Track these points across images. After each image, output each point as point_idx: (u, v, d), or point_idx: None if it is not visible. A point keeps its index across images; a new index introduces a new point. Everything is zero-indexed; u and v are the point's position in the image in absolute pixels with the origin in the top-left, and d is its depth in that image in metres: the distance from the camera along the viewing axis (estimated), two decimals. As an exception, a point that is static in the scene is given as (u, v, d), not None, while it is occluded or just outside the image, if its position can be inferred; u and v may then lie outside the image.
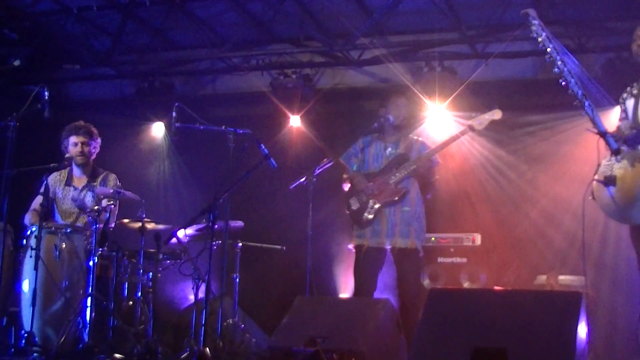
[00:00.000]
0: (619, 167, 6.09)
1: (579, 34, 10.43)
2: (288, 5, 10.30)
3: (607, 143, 6.17)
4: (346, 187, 8.42)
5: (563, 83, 6.05)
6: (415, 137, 8.57)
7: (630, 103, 6.56)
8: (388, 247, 8.19)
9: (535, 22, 5.97)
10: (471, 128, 8.26)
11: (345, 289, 9.97)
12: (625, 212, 6.12)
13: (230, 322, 8.87)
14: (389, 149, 8.41)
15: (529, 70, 10.33)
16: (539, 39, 5.99)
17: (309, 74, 11.24)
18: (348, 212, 8.35)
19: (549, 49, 5.98)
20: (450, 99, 10.33)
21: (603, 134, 6.15)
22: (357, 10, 10.55)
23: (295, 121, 11.01)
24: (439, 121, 10.52)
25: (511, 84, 10.64)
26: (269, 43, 11.23)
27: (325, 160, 8.45)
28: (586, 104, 6.06)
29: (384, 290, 8.56)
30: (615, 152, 6.13)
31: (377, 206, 8.19)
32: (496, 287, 9.64)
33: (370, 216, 8.20)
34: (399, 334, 7.03)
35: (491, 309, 5.52)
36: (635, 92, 6.42)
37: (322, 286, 9.33)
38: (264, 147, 7.86)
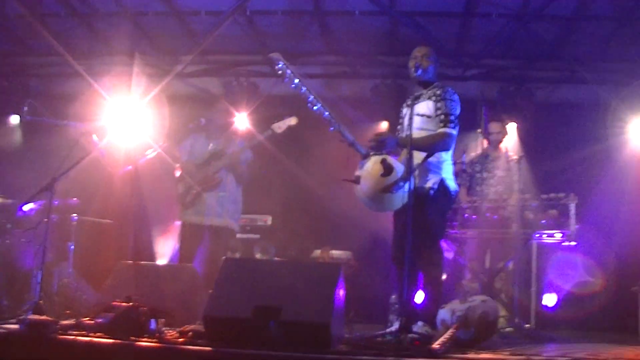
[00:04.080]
0: (363, 169, 6.16)
1: (356, 63, 10.73)
2: (127, 24, 10.12)
3: (356, 150, 6.22)
4: (177, 173, 8.39)
5: (314, 108, 6.09)
6: (235, 136, 8.63)
7: (405, 112, 6.60)
8: (206, 224, 8.21)
9: (280, 63, 5.97)
10: (273, 131, 8.36)
11: (162, 257, 9.88)
12: (370, 204, 6.22)
13: (65, 281, 8.69)
14: (211, 145, 8.45)
15: (317, 88, 10.46)
16: (286, 75, 5.96)
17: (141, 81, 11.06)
18: (176, 194, 8.33)
19: (295, 82, 5.99)
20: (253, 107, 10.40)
21: (351, 143, 6.19)
22: (183, 32, 10.49)
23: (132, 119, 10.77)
24: (244, 126, 10.50)
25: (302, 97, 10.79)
26: (110, 55, 10.97)
27: (147, 151, 8.38)
28: (332, 122, 6.09)
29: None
30: (364, 156, 6.20)
31: (197, 190, 8.20)
32: (276, 258, 9.78)
33: (192, 199, 8.21)
34: (201, 294, 7.02)
35: (271, 275, 5.55)
36: (409, 103, 6.50)
37: (142, 254, 9.26)
38: (95, 138, 7.73)
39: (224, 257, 7.23)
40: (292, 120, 8.41)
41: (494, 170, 8.77)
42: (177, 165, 8.44)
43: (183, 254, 8.35)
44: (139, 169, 8.39)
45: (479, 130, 8.71)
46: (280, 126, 8.39)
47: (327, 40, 10.52)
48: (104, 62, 10.95)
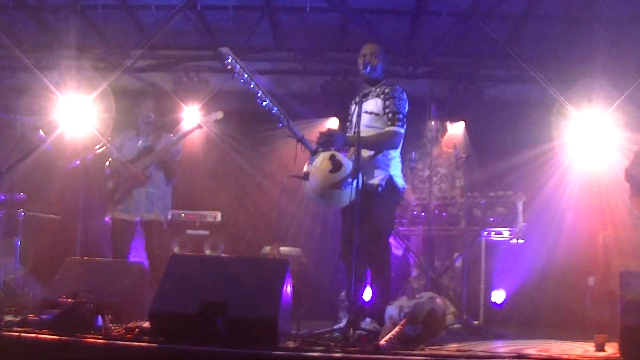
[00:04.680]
0: (312, 165, 6.18)
1: (306, 59, 10.75)
2: (75, 17, 10.05)
3: (305, 146, 6.24)
4: (107, 171, 8.36)
5: (263, 104, 6.09)
6: (166, 132, 8.62)
7: (353, 109, 6.65)
8: (137, 219, 8.19)
9: (229, 58, 5.96)
10: (199, 126, 8.44)
11: (110, 254, 9.83)
12: (319, 200, 6.26)
13: (12, 277, 8.63)
14: (141, 142, 8.44)
15: (267, 84, 10.45)
16: (235, 70, 5.95)
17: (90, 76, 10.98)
18: (106, 191, 8.31)
19: (244, 77, 5.98)
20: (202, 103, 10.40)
21: (300, 139, 6.21)
22: (133, 27, 10.44)
23: (80, 114, 10.65)
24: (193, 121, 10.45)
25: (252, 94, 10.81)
26: (59, 48, 10.86)
27: (96, 147, 8.36)
28: (281, 117, 6.10)
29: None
30: (313, 153, 6.22)
31: (126, 187, 8.18)
32: (223, 254, 9.79)
33: (121, 195, 8.19)
34: (149, 290, 7.00)
35: (218, 271, 5.55)
36: (357, 100, 6.55)
37: (91, 250, 9.19)
38: (42, 133, 7.67)
39: (171, 253, 7.25)
40: (219, 115, 8.57)
41: (436, 167, 8.85)
42: (107, 163, 8.42)
43: (116, 249, 8.33)
44: (87, 164, 8.32)
45: (427, 131, 8.77)
46: (207, 120, 8.52)
47: (278, 36, 10.54)
48: (52, 55, 10.84)
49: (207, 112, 8.90)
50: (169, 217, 8.81)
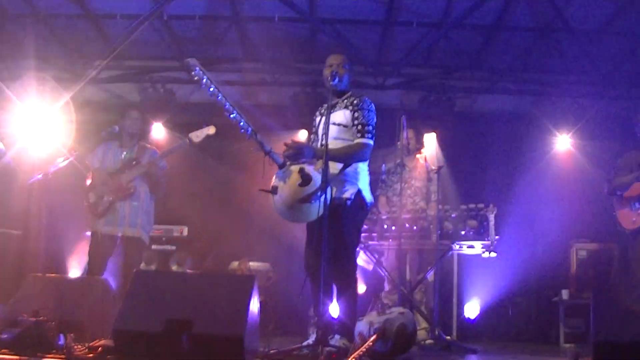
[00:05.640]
0: (281, 179, 6.10)
1: (274, 70, 10.70)
2: (39, 27, 9.97)
3: (273, 159, 6.14)
4: (88, 181, 8.26)
5: (231, 116, 6.03)
6: (148, 145, 8.55)
7: (318, 121, 6.62)
8: (119, 234, 8.09)
9: (196, 69, 5.91)
10: (190, 140, 8.29)
11: (74, 269, 9.73)
12: (288, 215, 6.18)
13: (-29, 295, 8.50)
14: (125, 153, 8.35)
15: (235, 95, 10.45)
16: (202, 82, 5.90)
17: (53, 87, 10.86)
18: (86, 203, 8.19)
19: (211, 89, 5.92)
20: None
21: (268, 152, 6.11)
22: (97, 36, 10.35)
23: (42, 126, 10.54)
24: (159, 134, 10.40)
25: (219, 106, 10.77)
26: (21, 58, 10.76)
27: (58, 160, 8.23)
28: (249, 130, 6.03)
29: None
30: (281, 166, 6.14)
31: (110, 200, 8.08)
32: (188, 270, 9.72)
33: (104, 208, 8.09)
34: (113, 307, 6.91)
35: (183, 288, 5.50)
36: (322, 111, 6.52)
37: (54, 266, 9.10)
38: (2, 145, 7.58)
39: (134, 270, 7.14)
40: (211, 130, 8.34)
41: (410, 180, 8.84)
42: (88, 173, 8.32)
43: (92, 265, 8.21)
44: (50, 177, 8.21)
45: (399, 143, 8.76)
46: (198, 135, 8.33)
47: (246, 47, 10.51)
48: (14, 65, 10.74)
49: (182, 125, 8.79)
50: (151, 233, 8.72)
